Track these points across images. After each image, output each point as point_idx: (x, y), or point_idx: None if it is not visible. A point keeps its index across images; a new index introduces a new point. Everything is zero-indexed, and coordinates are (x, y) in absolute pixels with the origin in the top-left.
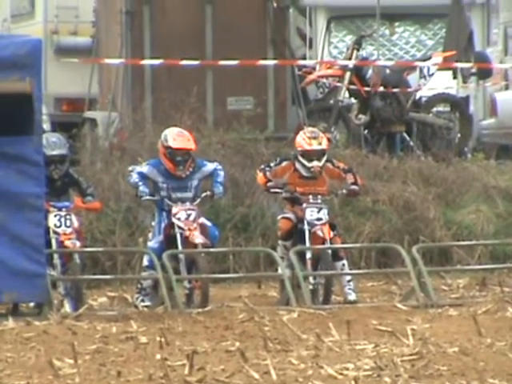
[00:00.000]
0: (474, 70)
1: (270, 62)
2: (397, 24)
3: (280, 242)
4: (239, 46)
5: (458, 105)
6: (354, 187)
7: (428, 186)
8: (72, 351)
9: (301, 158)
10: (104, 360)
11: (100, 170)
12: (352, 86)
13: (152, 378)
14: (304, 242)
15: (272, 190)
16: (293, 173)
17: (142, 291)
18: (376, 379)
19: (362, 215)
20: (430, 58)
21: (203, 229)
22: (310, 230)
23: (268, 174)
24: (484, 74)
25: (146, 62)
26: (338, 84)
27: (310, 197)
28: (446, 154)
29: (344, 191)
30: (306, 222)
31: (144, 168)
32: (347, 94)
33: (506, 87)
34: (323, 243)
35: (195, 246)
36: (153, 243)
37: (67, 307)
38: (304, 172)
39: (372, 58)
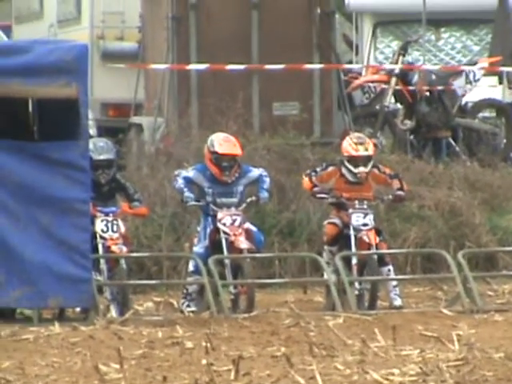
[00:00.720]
0: None
1: (316, 67)
2: (443, 29)
3: (326, 247)
4: (285, 51)
5: (504, 110)
6: (399, 193)
7: (474, 191)
8: (118, 356)
9: (347, 164)
10: (150, 365)
11: (146, 175)
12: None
13: (198, 383)
14: (350, 248)
15: (318, 196)
16: (339, 178)
17: (188, 296)
18: None
19: (407, 221)
20: (475, 64)
21: (248, 234)
22: (355, 236)
23: (314, 178)
24: None
25: (192, 67)
26: (384, 87)
27: (356, 202)
28: (492, 159)
29: (390, 197)
30: (351, 228)
31: (190, 173)
32: (393, 100)
33: None
34: (369, 249)
35: (240, 251)
36: (198, 248)
37: (113, 312)
38: (350, 177)
39: (418, 63)
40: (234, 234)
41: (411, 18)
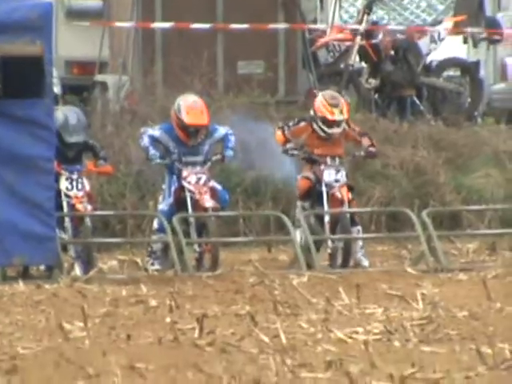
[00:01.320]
0: (484, 35)
1: (281, 26)
2: None
3: (298, 202)
4: (250, 9)
5: (469, 69)
6: (371, 149)
7: (438, 150)
8: (82, 314)
9: (320, 123)
10: (114, 323)
11: (110, 133)
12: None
13: (162, 342)
14: (322, 204)
15: (290, 152)
16: (310, 134)
17: (152, 254)
18: (386, 343)
19: (372, 179)
20: (440, 23)
21: (213, 192)
22: (328, 192)
23: (287, 132)
24: (495, 39)
25: (157, 25)
26: (349, 46)
27: (328, 158)
28: (457, 118)
29: (362, 153)
30: (323, 184)
31: (156, 132)
32: (358, 58)
33: None
34: (341, 205)
35: (205, 209)
36: (163, 206)
37: (77, 270)
38: (322, 134)
39: (382, 22)
40: (199, 193)
41: None
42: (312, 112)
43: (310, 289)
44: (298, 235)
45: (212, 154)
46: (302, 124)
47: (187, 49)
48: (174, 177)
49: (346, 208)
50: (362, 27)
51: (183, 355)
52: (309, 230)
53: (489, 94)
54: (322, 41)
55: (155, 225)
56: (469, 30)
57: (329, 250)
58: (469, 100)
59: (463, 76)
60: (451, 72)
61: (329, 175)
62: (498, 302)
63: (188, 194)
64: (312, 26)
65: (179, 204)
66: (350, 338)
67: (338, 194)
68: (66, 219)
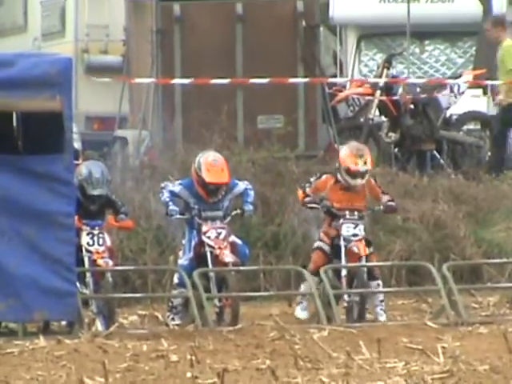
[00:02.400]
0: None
1: (301, 80)
2: (427, 42)
3: (307, 275)
4: (269, 64)
5: (489, 122)
6: (391, 203)
7: (458, 203)
8: (103, 369)
9: (344, 175)
10: (135, 378)
11: (130, 188)
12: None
13: None
14: (340, 258)
15: (309, 205)
16: (333, 186)
17: (173, 309)
18: None
19: (392, 233)
20: (460, 76)
21: (233, 247)
22: (346, 246)
23: (308, 190)
24: None
25: (177, 81)
26: (369, 100)
27: (347, 212)
28: (476, 172)
29: (381, 207)
30: (342, 238)
31: (176, 188)
32: (378, 112)
33: None
34: (359, 260)
35: (225, 264)
36: (183, 261)
37: (98, 325)
38: (346, 185)
39: (402, 76)
40: (219, 248)
41: (395, 30)
42: (337, 164)
43: (331, 343)
44: (301, 312)
45: (232, 208)
46: (324, 177)
47: (207, 104)
48: (194, 232)
49: (363, 262)
50: (381, 81)
51: None
52: (328, 284)
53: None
54: (341, 95)
55: (176, 279)
56: (489, 83)
57: (345, 304)
58: (488, 153)
59: (483, 129)
60: (471, 126)
61: (347, 229)
62: None
63: (208, 249)
64: (331, 80)
65: (199, 259)
66: None
67: (355, 249)
68: (88, 274)
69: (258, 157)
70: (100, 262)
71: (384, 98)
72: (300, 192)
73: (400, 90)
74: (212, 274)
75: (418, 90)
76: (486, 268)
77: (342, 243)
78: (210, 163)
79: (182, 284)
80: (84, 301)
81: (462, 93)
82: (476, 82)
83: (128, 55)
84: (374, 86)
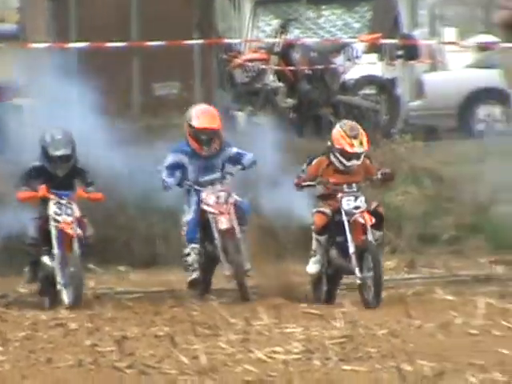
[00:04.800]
0: (400, 52)
1: (196, 42)
2: (323, 7)
3: (314, 235)
4: (165, 31)
5: (385, 87)
6: (387, 170)
7: None
8: (1, 338)
9: (338, 155)
10: (34, 347)
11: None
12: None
13: (82, 364)
14: (344, 234)
15: (304, 184)
16: (327, 167)
17: (189, 267)
18: (306, 362)
19: None
20: (356, 41)
21: (236, 208)
22: (348, 220)
23: (301, 177)
24: (411, 55)
25: (72, 45)
26: (265, 65)
27: (345, 186)
28: (374, 135)
29: (379, 176)
30: (343, 212)
31: (168, 159)
32: (274, 78)
33: (434, 68)
34: (365, 231)
35: (222, 231)
36: (187, 217)
37: (64, 298)
38: (340, 166)
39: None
40: (219, 212)
41: None
42: (329, 143)
43: (229, 310)
44: (312, 266)
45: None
46: (316, 161)
47: (102, 70)
48: (194, 198)
49: (370, 233)
50: (277, 46)
51: (103, 378)
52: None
53: (406, 111)
54: (237, 61)
55: (184, 236)
56: (385, 47)
57: (358, 281)
58: (385, 117)
59: (380, 93)
60: (368, 90)
61: (347, 203)
62: (417, 320)
63: (210, 216)
64: (227, 41)
65: (203, 225)
66: (270, 357)
67: (361, 219)
68: (55, 246)
69: (154, 124)
70: (69, 231)
71: (280, 63)
72: (295, 181)
73: (296, 55)
74: (217, 243)
75: (314, 55)
76: (384, 232)
77: (345, 218)
78: (201, 110)
79: (191, 239)
80: (51, 273)
81: (358, 57)
82: (372, 43)
83: (23, 22)
84: (270, 51)
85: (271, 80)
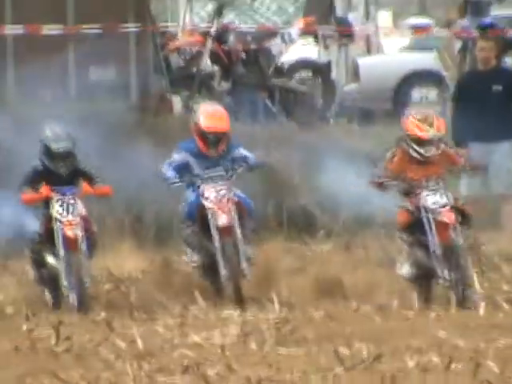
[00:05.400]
0: (335, 36)
1: (131, 26)
2: None
3: (398, 234)
4: (100, 15)
5: (320, 70)
6: (478, 162)
7: (291, 151)
8: None
9: (414, 145)
10: None
11: None
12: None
13: (18, 349)
14: (426, 234)
15: (386, 184)
16: (404, 159)
17: (189, 248)
18: (242, 346)
19: None
20: (291, 24)
21: (238, 205)
22: (432, 219)
23: (379, 177)
24: (346, 39)
25: (7, 29)
26: (200, 49)
27: (425, 180)
28: (309, 119)
29: (467, 167)
30: (425, 210)
31: (173, 158)
32: (209, 62)
33: (369, 52)
34: (449, 230)
35: (221, 228)
36: (186, 201)
37: (72, 301)
38: (418, 157)
39: (233, 24)
40: (218, 209)
41: None
42: (403, 133)
43: (166, 294)
44: (402, 267)
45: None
46: (393, 154)
47: (39, 55)
48: (195, 194)
49: (455, 232)
50: (212, 30)
51: (40, 363)
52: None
53: (341, 95)
54: (173, 44)
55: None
56: (320, 30)
57: (447, 284)
58: (321, 101)
59: (315, 77)
60: (303, 73)
61: (429, 199)
62: (354, 302)
63: (209, 212)
64: (162, 27)
65: (202, 221)
66: (207, 341)
67: (445, 218)
68: (59, 247)
69: (89, 109)
70: (69, 233)
71: (215, 46)
72: (372, 180)
73: (231, 39)
74: (217, 245)
75: (250, 38)
76: (319, 215)
77: (428, 216)
78: (209, 111)
79: (190, 215)
80: (56, 274)
81: (293, 40)
82: (307, 29)
83: None
84: (205, 34)
85: (206, 64)
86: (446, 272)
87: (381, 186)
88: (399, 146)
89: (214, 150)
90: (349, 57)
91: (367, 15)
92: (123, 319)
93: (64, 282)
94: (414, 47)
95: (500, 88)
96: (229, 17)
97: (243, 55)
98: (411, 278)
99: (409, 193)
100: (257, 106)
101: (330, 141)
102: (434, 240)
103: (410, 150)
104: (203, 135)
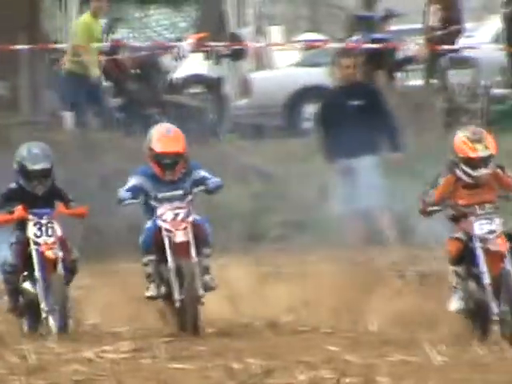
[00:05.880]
0: (228, 51)
1: (23, 47)
2: (151, 7)
3: (450, 267)
4: None
5: (212, 86)
6: None
7: None
8: None
9: (463, 166)
10: None
11: None
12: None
13: None
14: (476, 264)
15: (430, 210)
16: (455, 184)
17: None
18: (135, 361)
19: None
20: (183, 40)
21: (196, 227)
22: (482, 248)
23: (428, 200)
24: (238, 54)
25: None
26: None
27: (477, 207)
28: (201, 135)
29: None
30: (475, 239)
31: (129, 182)
32: (102, 77)
33: (260, 67)
34: (502, 259)
35: (178, 245)
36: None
37: (51, 325)
38: (467, 179)
39: (126, 40)
40: (176, 230)
41: None
42: (453, 155)
43: None
44: (455, 303)
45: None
46: (441, 179)
47: None
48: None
49: (508, 261)
50: (104, 45)
51: None
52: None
53: (232, 110)
54: (64, 60)
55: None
56: (212, 46)
57: (495, 318)
58: (212, 116)
59: (206, 93)
60: (195, 89)
61: (480, 227)
62: (246, 318)
63: (165, 234)
64: (55, 46)
65: (158, 246)
66: (99, 357)
67: (494, 247)
68: (36, 270)
69: None
70: (49, 253)
71: (107, 61)
72: (423, 209)
73: (123, 55)
74: (171, 266)
75: (142, 54)
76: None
77: (478, 245)
78: (163, 133)
79: (147, 248)
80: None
81: (185, 56)
82: (199, 45)
83: None
84: (99, 50)
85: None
86: (494, 305)
87: (425, 212)
88: (449, 170)
89: (170, 173)
90: (240, 72)
91: (259, 31)
92: (16, 335)
93: (42, 305)
94: (306, 63)
95: (362, 103)
96: (121, 32)
97: (136, 71)
98: (465, 314)
99: (459, 218)
100: (149, 121)
101: (221, 156)
102: (483, 270)
103: (461, 174)
104: (158, 159)
